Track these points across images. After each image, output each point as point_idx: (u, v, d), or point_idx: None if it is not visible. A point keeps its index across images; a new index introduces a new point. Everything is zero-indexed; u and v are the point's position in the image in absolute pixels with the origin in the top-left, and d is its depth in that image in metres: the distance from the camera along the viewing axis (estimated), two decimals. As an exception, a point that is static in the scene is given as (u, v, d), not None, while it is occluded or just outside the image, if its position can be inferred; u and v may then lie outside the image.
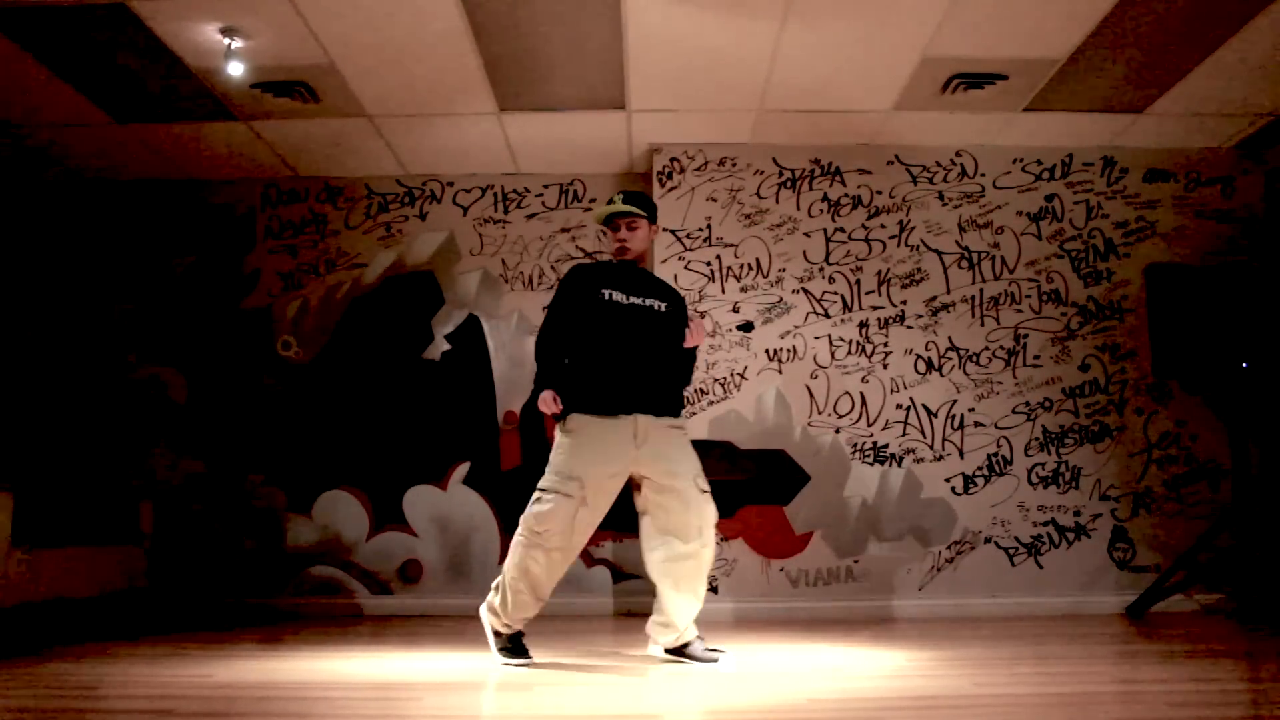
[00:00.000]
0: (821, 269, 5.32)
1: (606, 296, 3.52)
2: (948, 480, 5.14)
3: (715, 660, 3.41)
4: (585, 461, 3.41)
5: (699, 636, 3.51)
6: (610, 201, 3.62)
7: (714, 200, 5.35)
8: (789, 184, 5.38)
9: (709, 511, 3.46)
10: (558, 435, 3.52)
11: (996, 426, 5.18)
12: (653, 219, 3.64)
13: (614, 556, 5.38)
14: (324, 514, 5.44)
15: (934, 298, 5.30)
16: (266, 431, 5.52)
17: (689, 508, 3.41)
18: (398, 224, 5.70)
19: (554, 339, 3.60)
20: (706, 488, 3.48)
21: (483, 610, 3.56)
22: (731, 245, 5.31)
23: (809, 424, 5.18)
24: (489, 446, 5.47)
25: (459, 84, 4.69)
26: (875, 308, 5.29)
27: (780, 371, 5.23)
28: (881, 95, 4.84)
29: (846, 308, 5.29)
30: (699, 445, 5.05)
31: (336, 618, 5.11)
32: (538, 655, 3.57)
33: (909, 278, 5.31)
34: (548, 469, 3.48)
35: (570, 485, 3.38)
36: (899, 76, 4.65)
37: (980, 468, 5.15)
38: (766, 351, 5.24)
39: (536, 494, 3.45)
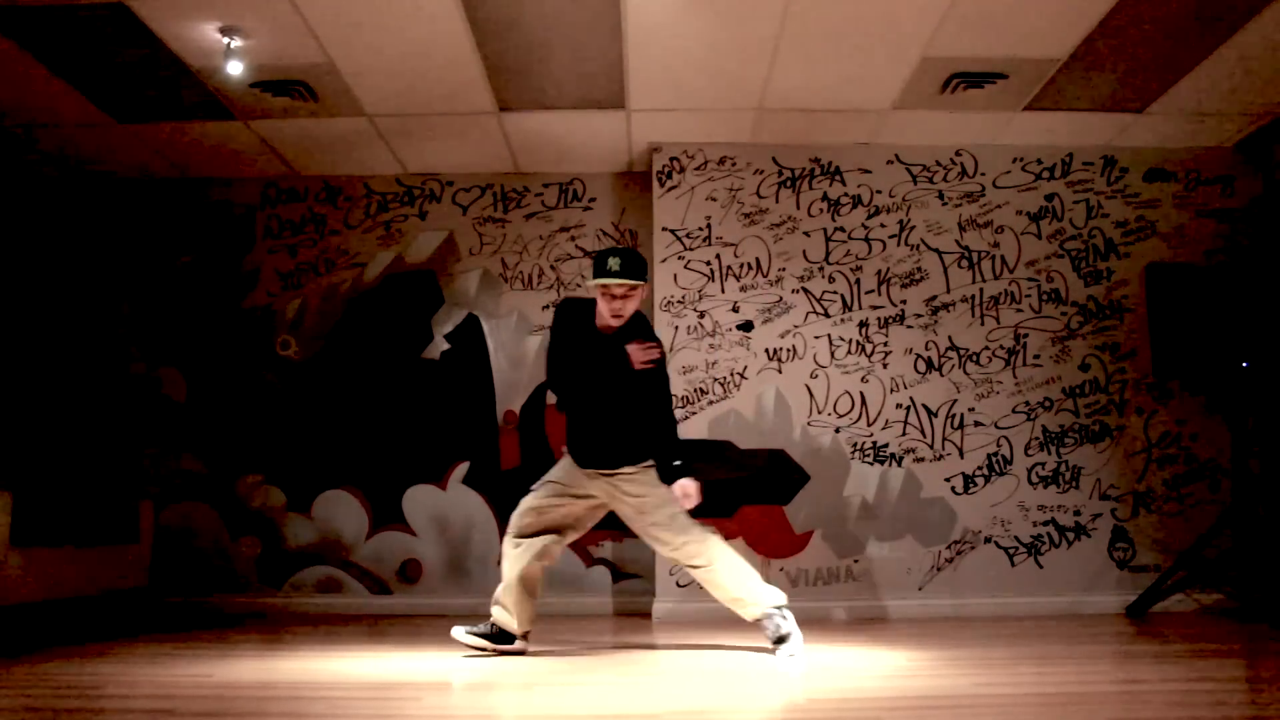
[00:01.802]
0: (821, 268, 5.31)
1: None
2: (948, 480, 5.14)
3: (787, 645, 3.46)
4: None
5: (780, 609, 3.55)
6: (605, 264, 3.46)
7: (714, 199, 5.35)
8: (789, 183, 5.38)
9: (686, 530, 3.57)
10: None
11: (996, 426, 5.18)
12: (646, 278, 3.57)
13: (614, 556, 5.38)
14: (323, 513, 5.44)
15: (934, 297, 5.29)
16: (266, 431, 5.52)
17: (675, 539, 3.58)
18: (397, 223, 5.69)
19: (563, 370, 3.69)
20: (677, 511, 3.57)
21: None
22: (731, 245, 5.31)
23: (809, 424, 5.18)
24: (488, 446, 5.47)
25: (459, 83, 4.68)
26: (875, 307, 5.29)
27: (780, 371, 5.23)
28: (881, 94, 4.84)
29: (846, 307, 5.29)
30: (699, 445, 5.10)
31: (336, 617, 5.11)
32: (539, 655, 3.58)
33: (909, 277, 5.31)
34: None
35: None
36: (899, 76, 4.64)
37: (980, 467, 5.15)
38: (766, 351, 5.24)
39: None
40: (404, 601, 5.30)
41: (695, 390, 5.18)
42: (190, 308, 5.66)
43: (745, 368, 5.22)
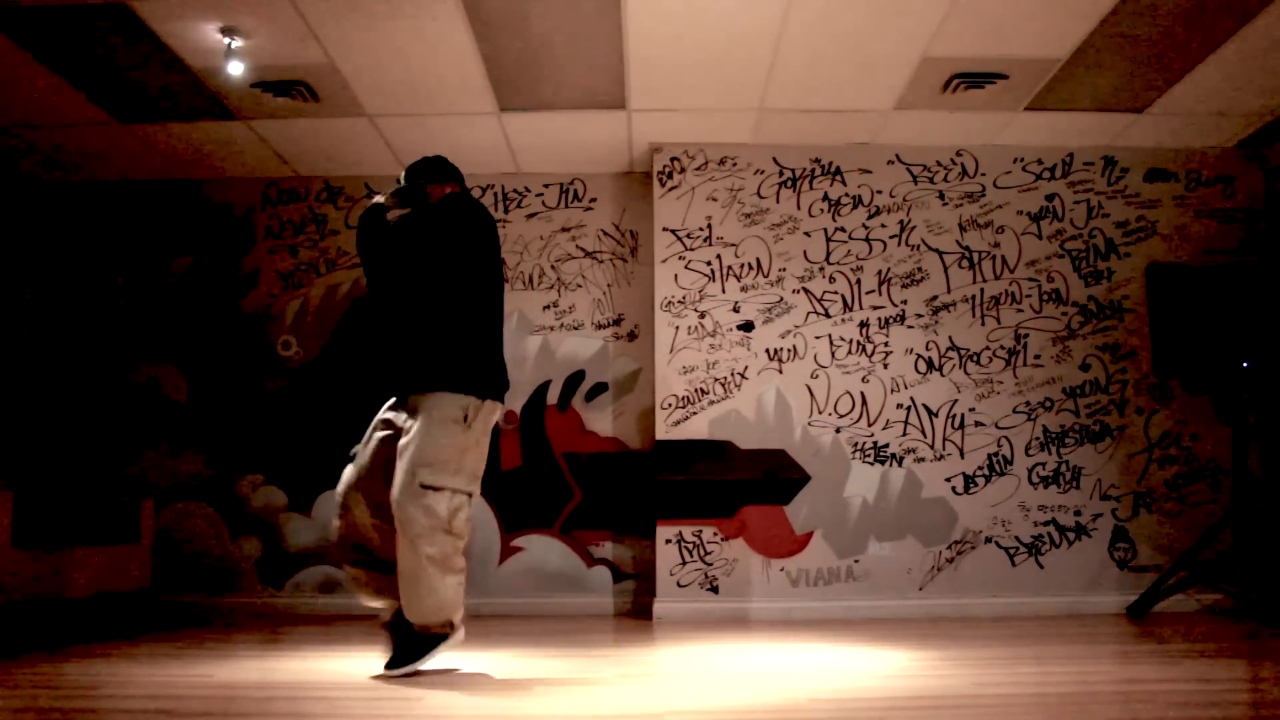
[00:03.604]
0: (822, 268, 5.31)
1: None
2: (948, 480, 5.14)
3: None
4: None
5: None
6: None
7: (714, 200, 5.35)
8: (789, 183, 5.38)
9: None
10: (465, 425, 3.15)
11: (997, 426, 5.18)
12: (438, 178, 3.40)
13: (614, 556, 5.38)
14: (324, 514, 5.43)
15: (934, 297, 5.29)
16: (267, 431, 5.52)
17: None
18: (398, 224, 5.69)
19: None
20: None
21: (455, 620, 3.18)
22: (732, 245, 5.31)
23: (809, 424, 5.18)
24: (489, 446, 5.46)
25: (459, 84, 4.69)
26: (876, 307, 5.29)
27: (780, 371, 5.23)
28: (882, 94, 4.84)
29: (847, 307, 5.29)
30: (699, 445, 5.11)
31: (336, 617, 5.11)
32: (539, 655, 3.57)
33: (909, 277, 5.31)
34: (457, 467, 3.13)
35: (475, 486, 3.22)
36: (899, 76, 4.65)
37: (981, 467, 5.15)
38: (767, 351, 5.24)
39: (454, 494, 3.13)
40: (404, 601, 5.30)
41: (696, 390, 5.18)
42: (191, 308, 5.66)
43: (746, 368, 5.22)
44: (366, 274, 3.45)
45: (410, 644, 3.15)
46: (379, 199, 3.44)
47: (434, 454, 3.08)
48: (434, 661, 3.17)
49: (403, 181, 3.41)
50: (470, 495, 3.19)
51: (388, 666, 3.14)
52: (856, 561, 5.07)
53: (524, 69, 4.57)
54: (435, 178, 3.41)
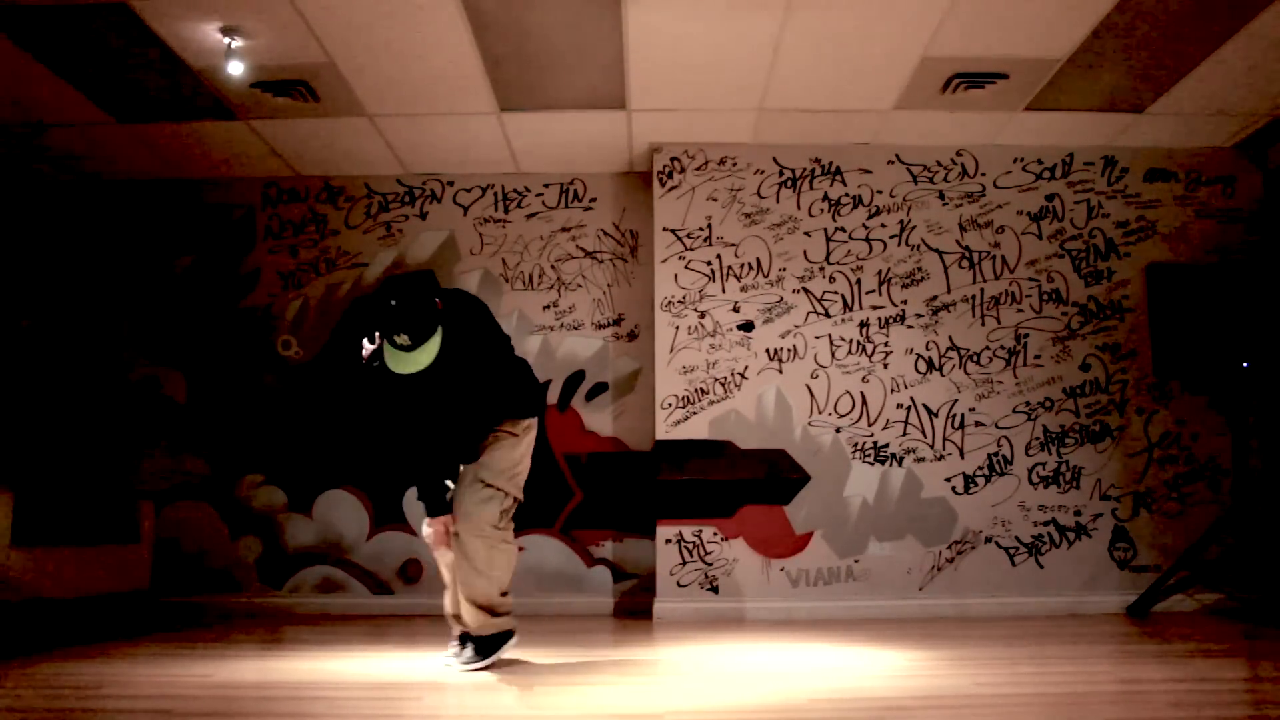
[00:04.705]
0: (822, 268, 5.31)
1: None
2: (948, 480, 5.14)
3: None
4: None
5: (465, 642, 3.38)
6: (392, 341, 3.06)
7: (714, 200, 5.35)
8: (789, 183, 5.38)
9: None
10: (517, 437, 3.45)
11: (997, 426, 5.18)
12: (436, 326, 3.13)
13: (614, 556, 5.38)
14: (324, 514, 5.44)
15: (934, 297, 5.29)
16: (267, 431, 5.52)
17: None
18: (398, 223, 5.70)
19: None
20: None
21: (484, 620, 3.31)
22: (732, 245, 5.31)
23: (809, 424, 5.18)
24: (489, 446, 5.46)
25: (459, 84, 4.69)
26: (876, 307, 5.29)
27: (781, 371, 5.23)
28: (882, 94, 4.84)
29: (847, 307, 5.29)
30: (699, 445, 5.11)
31: (336, 617, 5.11)
32: (539, 655, 3.57)
33: (909, 277, 5.31)
34: (510, 476, 3.39)
35: (520, 493, 3.45)
36: (899, 76, 4.65)
37: (981, 467, 5.15)
38: (767, 351, 5.24)
39: (505, 496, 3.35)
40: (404, 601, 5.30)
41: (696, 390, 5.18)
42: (191, 308, 5.66)
43: (746, 368, 5.22)
44: (386, 398, 3.50)
45: (477, 641, 3.34)
46: (373, 348, 3.32)
47: (492, 462, 3.41)
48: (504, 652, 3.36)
49: (408, 342, 3.06)
50: (517, 500, 3.44)
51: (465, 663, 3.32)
52: (856, 561, 5.07)
53: (524, 69, 4.57)
54: (435, 291, 3.25)
